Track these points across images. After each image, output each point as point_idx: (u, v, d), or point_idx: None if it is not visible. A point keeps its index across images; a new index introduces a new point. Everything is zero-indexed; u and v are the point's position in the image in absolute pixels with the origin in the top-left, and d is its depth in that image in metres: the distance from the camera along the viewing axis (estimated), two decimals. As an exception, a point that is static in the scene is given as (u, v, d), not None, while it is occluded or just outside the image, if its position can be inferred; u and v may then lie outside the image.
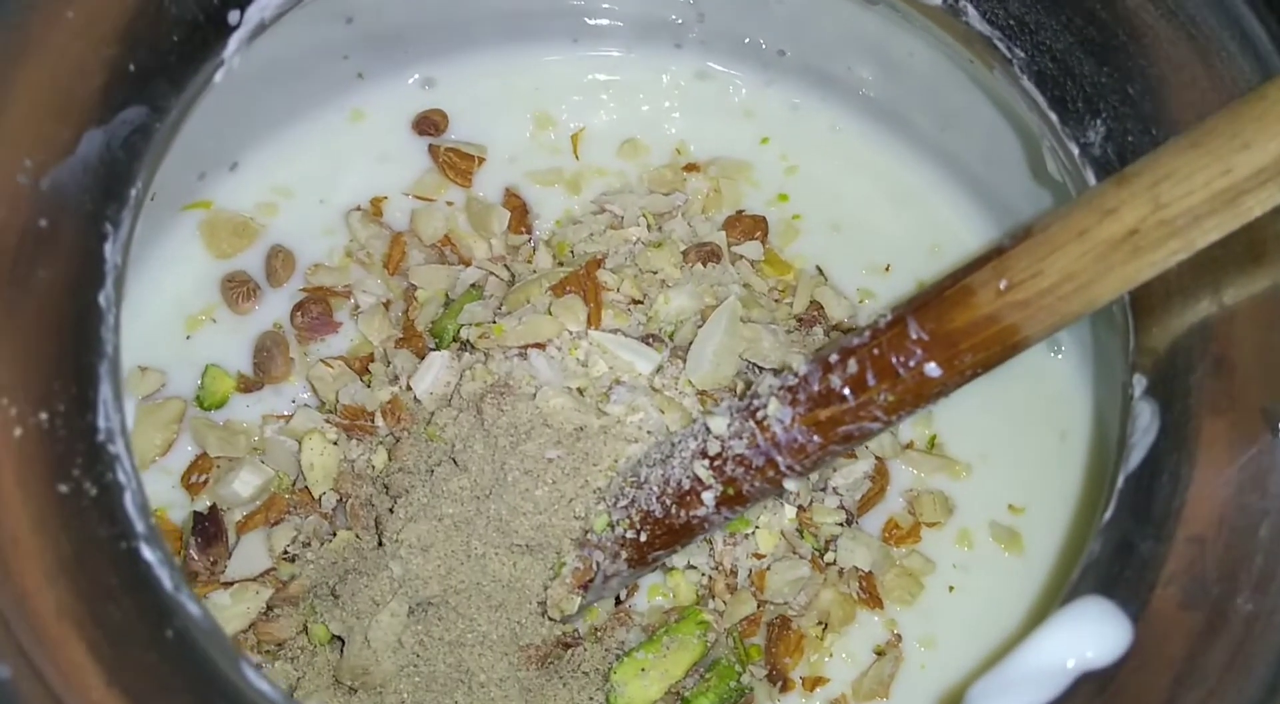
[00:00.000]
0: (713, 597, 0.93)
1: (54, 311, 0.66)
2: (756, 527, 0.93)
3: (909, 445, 1.00)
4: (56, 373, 0.65)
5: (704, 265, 1.00)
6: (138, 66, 0.72)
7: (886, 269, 1.05)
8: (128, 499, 0.64)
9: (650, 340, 0.94)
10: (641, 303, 0.97)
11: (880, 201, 1.08)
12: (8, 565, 0.61)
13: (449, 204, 1.06)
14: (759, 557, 0.93)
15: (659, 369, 0.93)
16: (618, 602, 0.93)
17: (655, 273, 0.99)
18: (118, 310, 0.68)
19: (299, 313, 1.00)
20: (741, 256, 1.03)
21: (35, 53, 0.70)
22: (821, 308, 1.02)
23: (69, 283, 0.67)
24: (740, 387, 0.93)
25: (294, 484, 0.95)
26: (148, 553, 0.64)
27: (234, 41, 0.77)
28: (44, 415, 0.64)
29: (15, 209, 0.67)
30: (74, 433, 0.65)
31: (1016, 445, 1.00)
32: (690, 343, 0.94)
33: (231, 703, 0.63)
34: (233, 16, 0.77)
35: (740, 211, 1.06)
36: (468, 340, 0.95)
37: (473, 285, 1.00)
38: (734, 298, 0.95)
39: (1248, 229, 0.61)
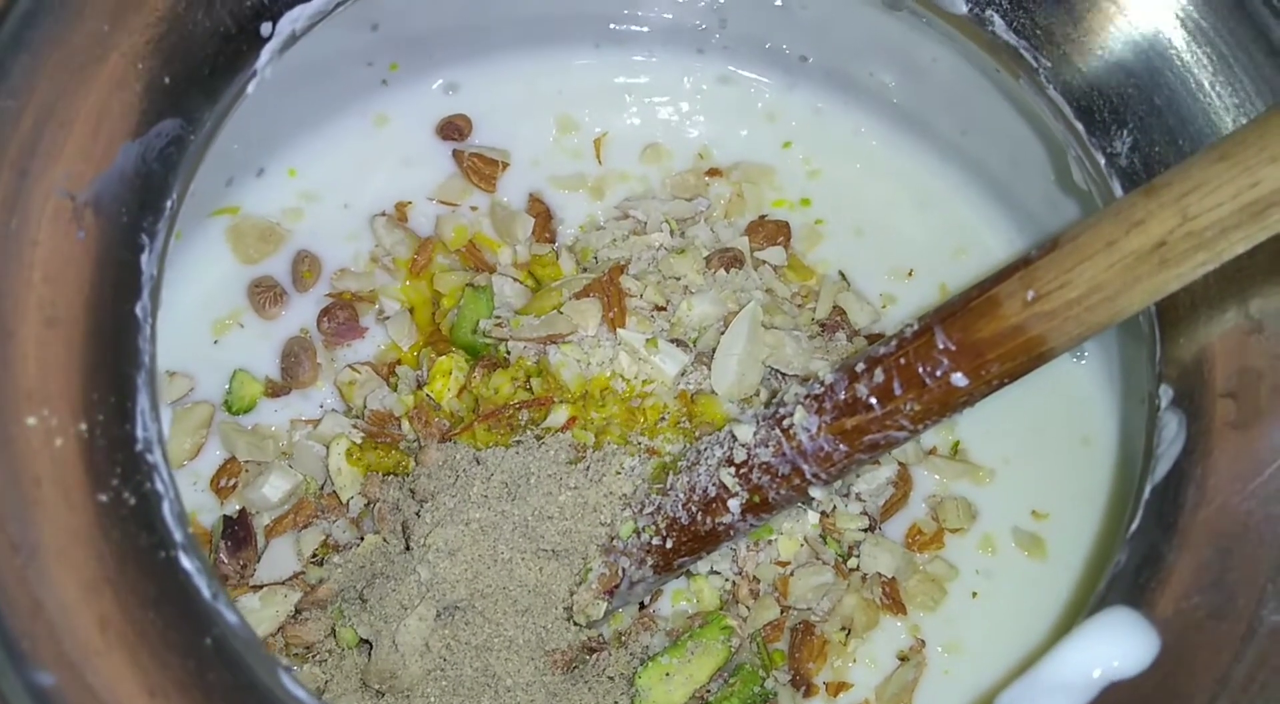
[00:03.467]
0: (736, 602, 0.93)
1: (92, 323, 0.67)
2: (779, 533, 0.93)
3: (932, 451, 1.00)
4: (95, 383, 0.66)
5: (726, 271, 1.00)
6: (172, 79, 0.72)
7: (909, 274, 1.05)
8: (165, 508, 0.65)
9: (677, 345, 0.95)
10: (665, 309, 0.97)
11: (903, 206, 1.08)
12: (51, 575, 0.62)
13: (473, 209, 1.06)
14: (782, 563, 0.93)
15: (684, 372, 0.93)
16: (641, 607, 0.94)
17: (678, 279, 0.99)
18: (154, 321, 0.69)
19: (325, 318, 1.01)
20: (764, 262, 1.03)
21: (71, 67, 0.70)
22: (844, 313, 1.02)
23: (107, 294, 0.68)
24: (765, 395, 0.94)
25: (322, 488, 0.96)
26: (186, 562, 0.64)
27: (266, 53, 0.78)
28: (83, 425, 0.64)
29: (54, 221, 0.67)
30: (113, 442, 0.65)
31: (1039, 451, 1.00)
32: (714, 349, 0.95)
33: (268, 709, 0.64)
34: (265, 28, 0.78)
35: (763, 216, 1.06)
36: (487, 332, 0.95)
37: (469, 285, 1.00)
38: (754, 303, 0.96)
39: (1275, 240, 0.61)
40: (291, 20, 0.79)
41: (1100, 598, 0.72)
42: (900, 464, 0.98)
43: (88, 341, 0.66)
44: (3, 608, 0.61)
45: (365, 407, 0.97)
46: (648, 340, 0.94)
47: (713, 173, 1.08)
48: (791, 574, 0.93)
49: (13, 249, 0.66)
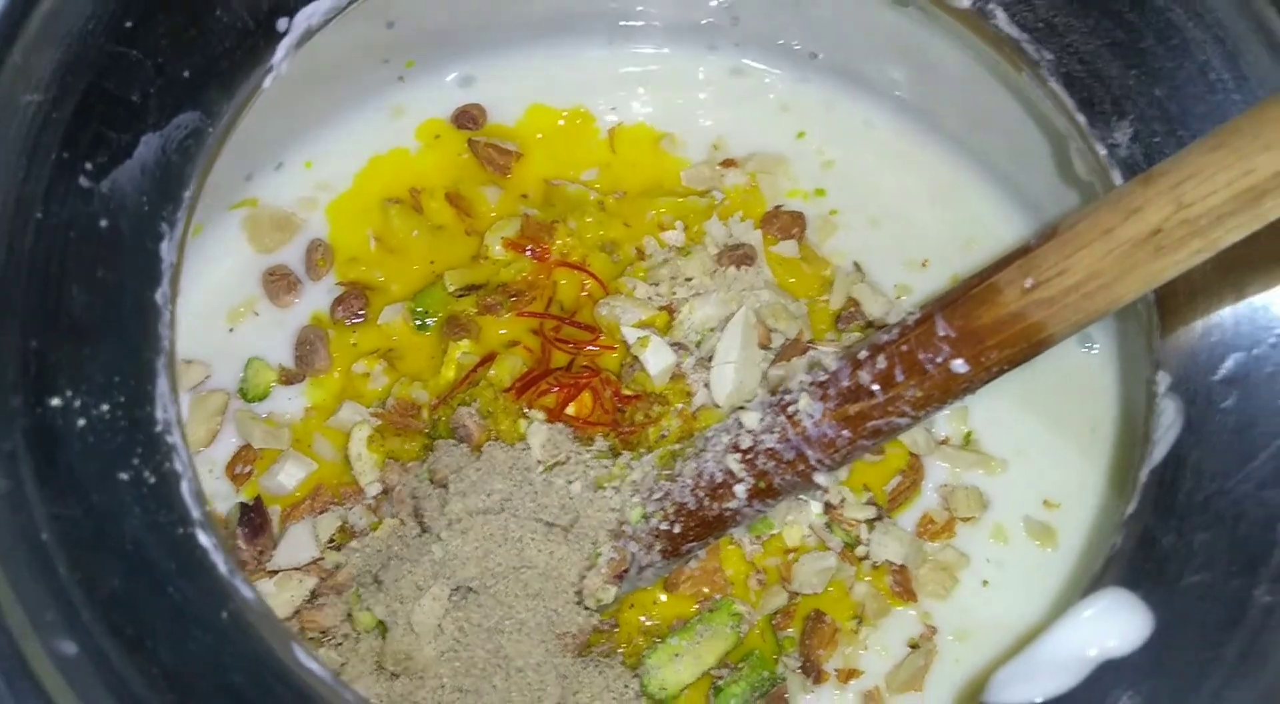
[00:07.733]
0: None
1: (115, 309, 0.69)
2: (783, 525, 0.94)
3: (944, 441, 1.00)
4: (117, 367, 0.68)
5: (737, 268, 1.00)
6: (192, 73, 0.74)
7: (924, 264, 1.05)
8: (184, 487, 0.67)
9: (676, 348, 0.96)
10: (670, 310, 0.99)
11: (918, 197, 1.08)
12: (74, 550, 0.64)
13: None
14: (788, 551, 0.94)
15: (672, 375, 0.95)
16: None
17: (689, 279, 1.00)
18: (173, 307, 0.71)
19: (339, 307, 1.01)
20: (779, 255, 1.04)
21: (94, 60, 0.72)
22: (859, 305, 1.02)
23: (128, 281, 0.70)
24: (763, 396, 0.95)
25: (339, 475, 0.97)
26: (203, 538, 0.66)
27: (282, 48, 0.79)
28: (106, 407, 0.67)
29: (78, 210, 0.69)
30: (134, 424, 0.67)
31: (1051, 441, 1.00)
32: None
33: (284, 683, 0.66)
34: (281, 23, 0.79)
35: (778, 207, 1.06)
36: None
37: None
38: (745, 308, 0.96)
39: (1271, 229, 0.62)
40: (307, 16, 0.81)
41: (1096, 579, 0.73)
42: (912, 454, 0.98)
43: (110, 327, 0.68)
44: (27, 580, 0.63)
45: (390, 395, 0.98)
46: (639, 338, 0.95)
47: (727, 164, 1.08)
48: (796, 561, 0.94)
49: (38, 238, 0.68)
